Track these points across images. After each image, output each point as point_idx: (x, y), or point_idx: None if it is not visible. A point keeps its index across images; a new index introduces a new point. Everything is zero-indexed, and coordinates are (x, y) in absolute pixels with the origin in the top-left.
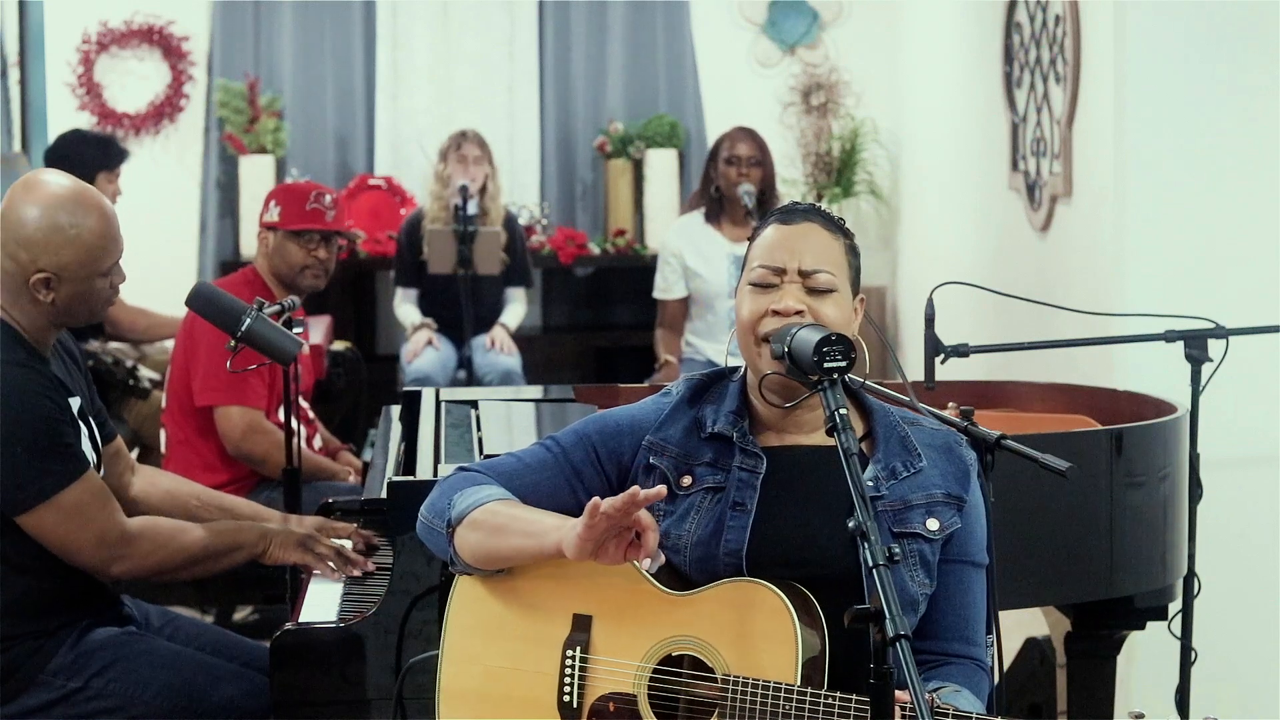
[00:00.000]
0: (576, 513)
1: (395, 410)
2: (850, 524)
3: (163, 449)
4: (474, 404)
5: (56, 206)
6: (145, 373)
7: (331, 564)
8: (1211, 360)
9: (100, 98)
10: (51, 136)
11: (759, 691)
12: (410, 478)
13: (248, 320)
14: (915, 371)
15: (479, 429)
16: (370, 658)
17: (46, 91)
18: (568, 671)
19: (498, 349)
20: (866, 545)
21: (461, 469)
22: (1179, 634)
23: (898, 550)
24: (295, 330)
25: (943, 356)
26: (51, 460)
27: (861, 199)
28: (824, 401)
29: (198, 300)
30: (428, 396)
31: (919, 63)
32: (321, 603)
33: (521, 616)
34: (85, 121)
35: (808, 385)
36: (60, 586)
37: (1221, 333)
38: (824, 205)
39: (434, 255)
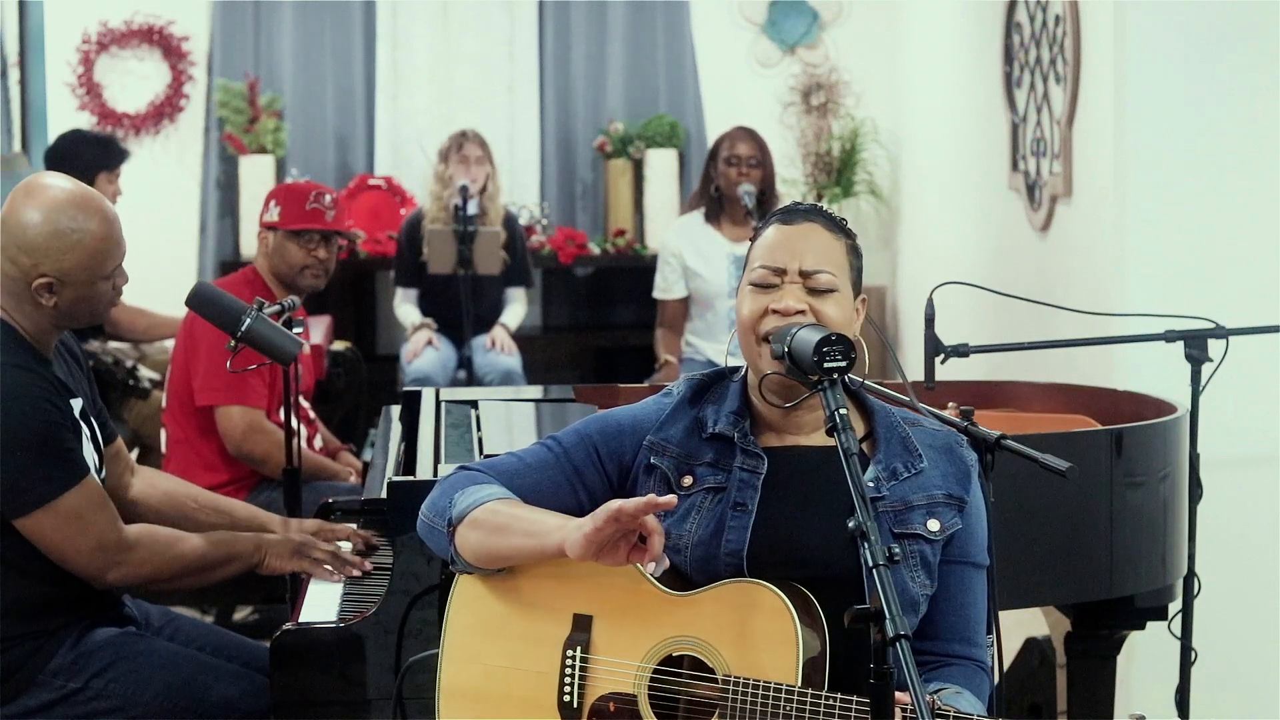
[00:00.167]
0: (577, 512)
1: (395, 410)
2: (850, 524)
3: (163, 449)
4: (474, 404)
5: (58, 211)
6: (145, 373)
7: (329, 567)
8: (1211, 360)
9: (100, 98)
10: (51, 137)
11: (759, 692)
12: (410, 478)
13: (248, 320)
14: (915, 371)
15: (479, 429)
16: (370, 657)
17: (46, 91)
18: (568, 671)
19: (498, 349)
20: (867, 545)
21: (462, 468)
22: (1179, 634)
23: (898, 550)
24: (295, 330)
25: (943, 356)
26: (51, 465)
27: (861, 199)
28: (824, 401)
29: (198, 300)
30: (428, 396)
31: (919, 63)
32: (321, 603)
33: (522, 616)
34: (85, 121)
35: (808, 385)
36: (60, 587)
37: (1221, 333)
38: (824, 205)
39: (434, 255)
